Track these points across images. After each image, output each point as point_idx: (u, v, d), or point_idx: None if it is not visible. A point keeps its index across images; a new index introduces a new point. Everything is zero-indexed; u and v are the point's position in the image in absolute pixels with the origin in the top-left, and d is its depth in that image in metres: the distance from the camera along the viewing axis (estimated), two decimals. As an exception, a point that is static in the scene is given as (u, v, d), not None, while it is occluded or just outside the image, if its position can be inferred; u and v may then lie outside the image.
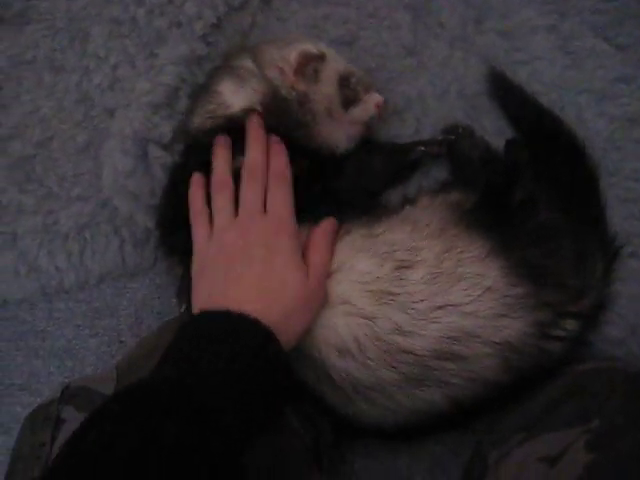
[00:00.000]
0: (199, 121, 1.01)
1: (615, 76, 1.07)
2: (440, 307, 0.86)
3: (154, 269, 1.15)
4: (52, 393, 0.87)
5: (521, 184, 0.98)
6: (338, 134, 1.01)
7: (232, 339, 0.75)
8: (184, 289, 0.98)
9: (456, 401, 0.88)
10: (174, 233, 0.99)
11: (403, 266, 0.89)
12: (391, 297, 0.87)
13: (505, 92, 1.09)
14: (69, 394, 0.86)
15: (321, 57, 0.99)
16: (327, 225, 0.93)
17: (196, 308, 0.85)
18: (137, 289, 1.16)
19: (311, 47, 0.99)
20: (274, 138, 0.96)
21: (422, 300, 0.87)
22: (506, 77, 1.08)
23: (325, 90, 0.99)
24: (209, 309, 0.80)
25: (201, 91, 1.05)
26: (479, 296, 0.87)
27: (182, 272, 0.99)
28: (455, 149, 1.08)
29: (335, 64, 1.01)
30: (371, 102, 1.01)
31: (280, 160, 0.95)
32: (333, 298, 0.88)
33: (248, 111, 0.98)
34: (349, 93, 1.00)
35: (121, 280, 1.16)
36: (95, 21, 1.17)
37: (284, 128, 0.98)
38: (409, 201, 1.02)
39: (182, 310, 1.03)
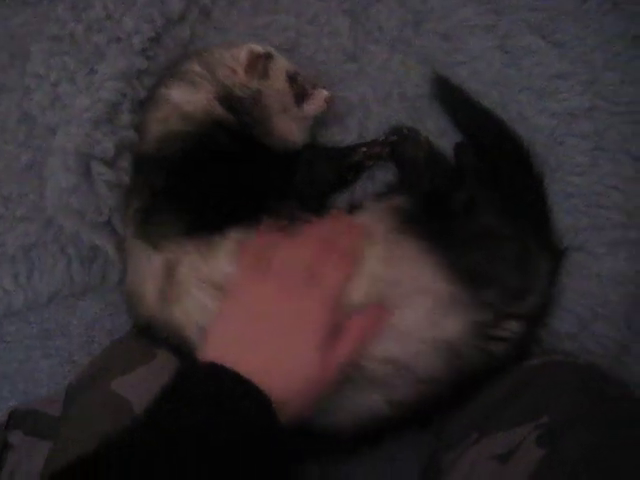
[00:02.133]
0: (156, 129, 1.00)
1: (553, 72, 1.09)
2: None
3: (103, 286, 1.14)
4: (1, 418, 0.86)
5: (463, 187, 0.98)
6: (293, 128, 1.05)
7: (233, 409, 0.71)
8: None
9: (399, 404, 0.88)
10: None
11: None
12: None
13: (449, 96, 1.10)
14: (16, 418, 0.85)
15: (269, 55, 1.03)
16: (373, 314, 0.88)
17: (212, 346, 0.82)
18: (87, 307, 1.14)
19: (258, 46, 1.02)
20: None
21: (360, 302, 0.87)
22: (449, 81, 1.09)
23: (276, 86, 1.03)
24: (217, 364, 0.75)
25: (150, 103, 1.05)
26: (416, 298, 0.87)
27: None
28: (400, 150, 1.08)
29: (282, 62, 1.05)
30: (320, 97, 1.05)
31: (353, 239, 0.91)
32: None
33: (205, 110, 0.99)
34: (298, 89, 1.04)
35: (70, 299, 1.15)
36: (34, 38, 1.15)
37: (242, 126, 1.00)
38: (355, 207, 1.02)
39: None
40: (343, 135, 1.11)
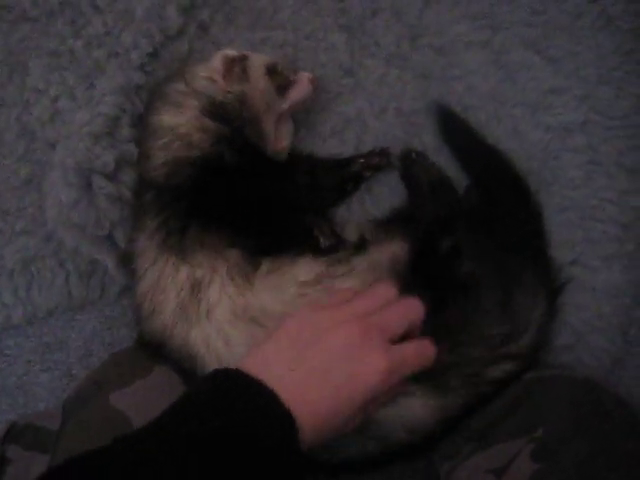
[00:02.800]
0: (160, 157, 0.99)
1: (548, 87, 1.10)
2: None
3: (102, 300, 1.14)
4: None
5: (451, 233, 0.97)
6: (282, 127, 1.06)
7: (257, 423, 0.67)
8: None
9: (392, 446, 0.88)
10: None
11: None
12: None
13: (453, 130, 1.10)
14: (15, 433, 0.85)
15: (243, 57, 1.04)
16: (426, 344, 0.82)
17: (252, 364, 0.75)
18: (86, 321, 1.15)
19: (231, 51, 1.04)
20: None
21: None
22: (451, 112, 1.10)
23: (258, 84, 1.03)
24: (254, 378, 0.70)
25: (147, 131, 1.04)
26: None
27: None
28: (407, 173, 1.09)
29: (258, 59, 1.06)
30: (304, 80, 1.07)
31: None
32: None
33: (199, 128, 0.99)
34: (280, 79, 1.06)
35: (69, 313, 1.15)
36: (33, 54, 1.16)
37: (236, 133, 1.01)
38: (363, 245, 0.99)
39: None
40: (340, 149, 1.13)
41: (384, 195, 1.11)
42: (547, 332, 0.99)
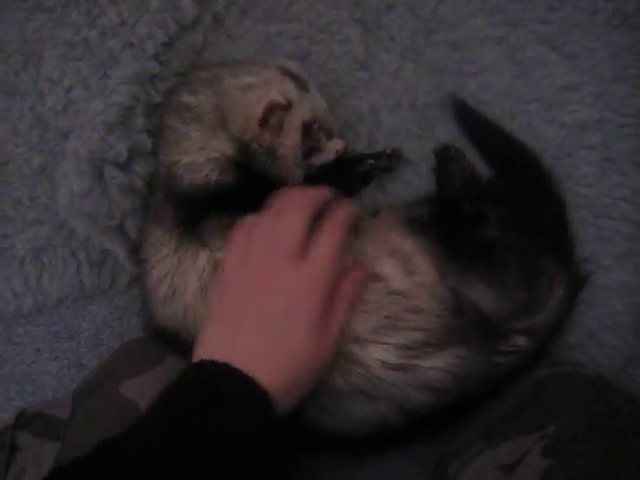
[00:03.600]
0: (189, 176, 0.97)
1: (563, 84, 1.09)
2: (396, 320, 0.87)
3: (113, 290, 1.14)
4: (7, 419, 0.86)
5: (476, 200, 0.99)
6: (297, 174, 1.01)
7: (229, 406, 0.71)
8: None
9: (407, 413, 0.89)
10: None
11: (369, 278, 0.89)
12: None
13: (468, 120, 1.10)
14: (24, 420, 0.86)
15: (287, 107, 0.96)
16: (357, 275, 0.89)
17: (205, 346, 0.81)
18: (96, 311, 1.15)
19: (278, 96, 0.96)
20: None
21: (381, 313, 0.87)
22: (469, 107, 1.09)
23: (290, 141, 0.98)
24: (213, 360, 0.75)
25: (169, 134, 1.01)
26: (425, 308, 0.88)
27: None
28: (442, 169, 1.09)
29: (300, 111, 0.98)
30: (332, 150, 1.02)
31: (345, 212, 0.91)
32: None
33: (229, 159, 0.97)
34: (312, 143, 1.00)
35: (80, 302, 1.15)
36: (48, 44, 1.16)
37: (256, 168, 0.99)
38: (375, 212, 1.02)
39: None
40: (353, 143, 1.12)
41: (397, 191, 1.11)
42: (563, 320, 0.98)
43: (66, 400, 0.89)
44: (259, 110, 0.95)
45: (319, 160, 1.01)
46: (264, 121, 0.95)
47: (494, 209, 0.97)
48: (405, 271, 0.90)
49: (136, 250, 1.05)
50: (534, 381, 0.90)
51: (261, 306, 0.81)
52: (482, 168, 1.09)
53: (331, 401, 0.88)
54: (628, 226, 1.05)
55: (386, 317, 0.88)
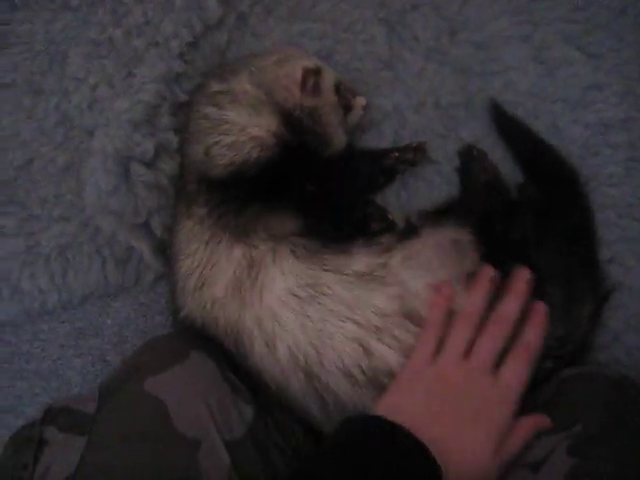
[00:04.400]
0: (228, 155, 0.98)
1: (588, 84, 1.08)
2: None
3: (137, 287, 1.15)
4: (34, 414, 0.87)
5: (517, 224, 0.98)
6: (343, 137, 1.07)
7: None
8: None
9: None
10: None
11: (409, 317, 0.89)
12: (391, 340, 0.88)
13: (506, 127, 1.10)
14: (51, 415, 0.86)
15: (318, 70, 1.03)
16: (538, 420, 0.86)
17: (390, 412, 0.80)
18: (121, 308, 1.16)
19: (309, 62, 1.03)
20: (542, 307, 0.90)
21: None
22: (506, 112, 1.09)
23: (328, 100, 1.04)
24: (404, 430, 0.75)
25: (202, 124, 1.02)
26: None
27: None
28: (464, 170, 1.09)
29: (328, 74, 1.06)
30: (359, 106, 1.08)
31: (538, 333, 0.88)
32: (348, 318, 0.89)
33: (274, 134, 0.99)
34: (343, 100, 1.06)
35: (104, 299, 1.16)
36: (73, 43, 1.17)
37: (303, 143, 1.01)
38: (411, 230, 1.01)
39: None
40: (378, 141, 1.12)
41: (421, 190, 1.11)
42: (591, 336, 0.98)
43: (92, 396, 0.89)
44: (298, 75, 1.01)
45: (352, 119, 1.08)
46: (303, 85, 1.01)
47: (535, 232, 0.97)
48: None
49: (161, 248, 1.06)
50: (560, 381, 0.90)
51: (461, 399, 0.82)
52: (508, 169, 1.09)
53: None
54: (653, 227, 1.04)
55: None
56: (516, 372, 0.85)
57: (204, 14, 1.12)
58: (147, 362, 0.92)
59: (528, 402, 0.88)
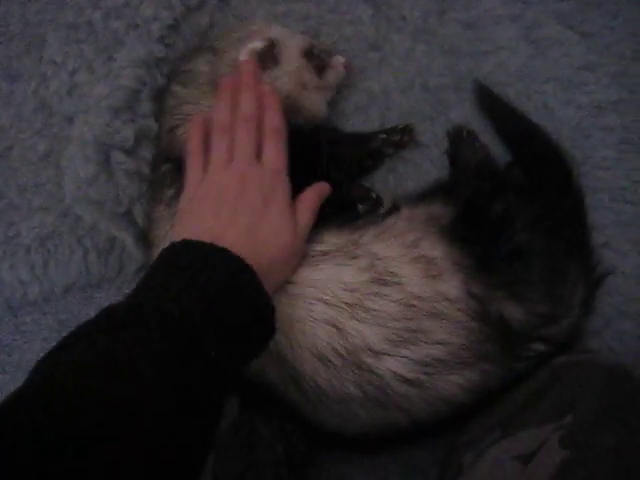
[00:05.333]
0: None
1: (580, 64, 1.07)
2: (413, 331, 0.85)
3: (120, 277, 1.13)
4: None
5: (502, 199, 0.96)
6: (318, 100, 1.05)
7: (212, 269, 0.74)
8: None
9: (419, 421, 0.88)
10: None
11: (382, 282, 0.87)
12: (365, 313, 0.86)
13: (492, 108, 1.08)
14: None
15: (270, 46, 1.01)
16: (319, 188, 0.95)
17: (185, 225, 0.87)
18: (104, 298, 1.13)
19: (257, 43, 1.01)
20: (267, 89, 0.97)
21: (396, 322, 0.85)
22: (493, 94, 1.07)
23: (289, 68, 1.02)
24: (194, 239, 0.78)
25: (171, 98, 1.05)
26: (448, 327, 0.86)
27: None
28: (454, 150, 1.07)
29: (294, 42, 1.04)
30: (339, 64, 1.07)
31: (274, 114, 0.94)
32: (316, 299, 0.87)
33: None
34: (317, 61, 1.05)
35: (87, 290, 1.13)
36: (50, 26, 1.14)
37: None
38: (393, 209, 1.00)
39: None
40: (364, 125, 1.10)
41: (409, 174, 1.09)
42: (583, 322, 0.96)
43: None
44: (243, 58, 1.00)
45: (332, 77, 1.07)
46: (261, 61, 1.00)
47: (521, 209, 0.95)
48: (428, 276, 0.88)
49: (144, 237, 1.04)
50: (550, 369, 0.88)
51: (238, 197, 0.87)
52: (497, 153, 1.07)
53: (341, 405, 0.87)
54: (647, 210, 1.02)
55: (404, 328, 0.86)
56: (274, 151, 0.91)
57: (185, -5, 1.09)
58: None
59: (520, 390, 0.87)
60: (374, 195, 1.03)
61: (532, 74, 1.08)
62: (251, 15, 1.14)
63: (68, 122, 1.11)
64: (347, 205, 1.01)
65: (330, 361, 0.85)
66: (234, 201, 0.86)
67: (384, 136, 1.08)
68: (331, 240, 0.92)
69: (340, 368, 0.85)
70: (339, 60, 1.07)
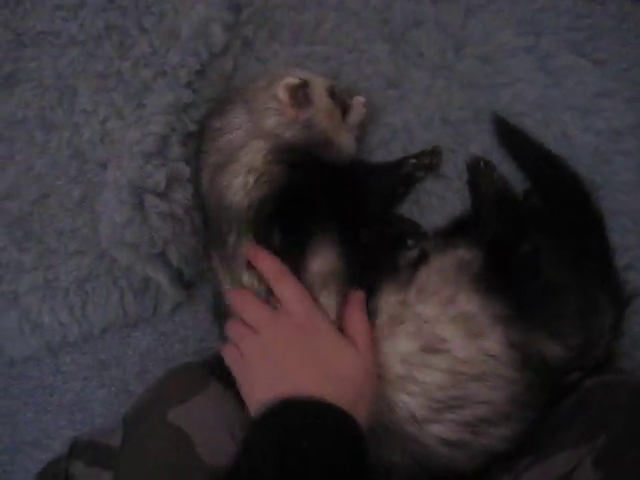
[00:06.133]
0: (245, 204, 0.98)
1: (596, 91, 1.08)
2: (459, 398, 0.87)
3: (155, 317, 1.16)
4: (61, 449, 0.88)
5: (528, 236, 0.98)
6: (348, 140, 1.07)
7: (314, 430, 0.76)
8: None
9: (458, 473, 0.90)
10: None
11: (431, 350, 0.90)
12: (415, 386, 0.88)
13: (511, 139, 1.10)
14: (77, 450, 0.87)
15: (304, 83, 1.02)
16: (356, 296, 0.95)
17: (259, 396, 0.85)
18: (140, 338, 1.17)
19: (290, 79, 1.01)
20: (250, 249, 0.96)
21: (443, 391, 0.88)
22: (510, 125, 1.09)
23: (322, 107, 1.03)
24: (284, 398, 0.80)
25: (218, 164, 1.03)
26: (493, 384, 0.87)
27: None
28: (473, 183, 1.09)
29: (318, 82, 1.05)
30: (359, 104, 1.09)
31: (268, 260, 0.94)
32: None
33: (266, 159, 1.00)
34: (340, 103, 1.06)
35: (124, 330, 1.17)
36: (81, 77, 1.18)
37: (305, 155, 1.01)
38: (421, 258, 1.01)
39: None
40: (387, 160, 1.13)
41: (433, 207, 1.11)
42: (615, 345, 0.98)
43: (116, 426, 0.90)
44: (282, 94, 1.00)
45: (354, 118, 1.08)
46: (292, 101, 1.00)
47: (548, 244, 0.96)
48: (470, 335, 0.90)
49: (178, 277, 1.07)
50: (582, 392, 0.89)
51: (295, 342, 0.89)
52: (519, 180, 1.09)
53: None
54: (668, 231, 1.03)
55: (451, 397, 0.88)
56: (290, 291, 0.92)
57: (210, 41, 1.13)
58: (169, 393, 0.93)
59: (551, 414, 0.89)
60: (423, 230, 1.06)
61: (549, 104, 1.09)
62: (273, 57, 1.17)
63: (102, 168, 1.15)
64: (396, 241, 1.04)
65: (377, 434, 0.87)
66: (292, 346, 0.88)
67: (414, 161, 1.10)
68: (389, 298, 0.95)
69: (384, 438, 0.87)
70: (359, 100, 1.08)
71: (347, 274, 0.95)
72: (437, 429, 0.87)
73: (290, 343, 0.88)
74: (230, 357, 0.93)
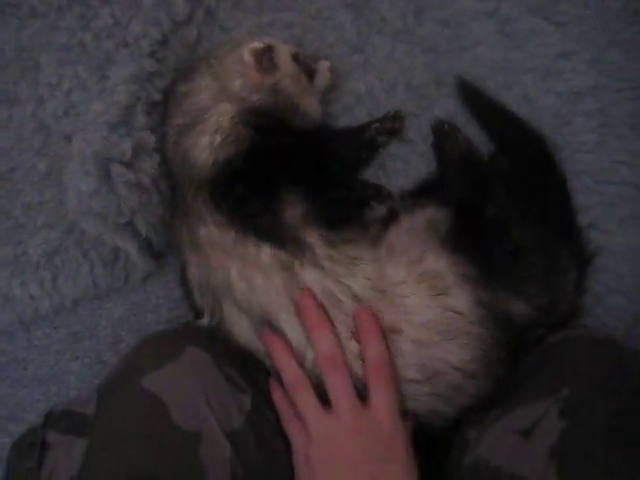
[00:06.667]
0: (208, 163, 0.99)
1: (557, 53, 1.09)
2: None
3: (127, 287, 1.16)
4: (36, 420, 0.88)
5: (493, 199, 0.99)
6: (313, 105, 1.07)
7: None
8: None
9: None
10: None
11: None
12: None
13: (475, 102, 1.11)
14: (52, 419, 0.87)
15: (269, 47, 1.03)
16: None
17: None
18: (112, 309, 1.17)
19: (256, 43, 1.02)
20: (363, 313, 0.91)
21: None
22: (474, 88, 1.10)
23: (288, 72, 1.04)
24: None
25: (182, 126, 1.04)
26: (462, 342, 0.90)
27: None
28: (438, 145, 1.10)
29: (283, 48, 1.06)
30: (325, 68, 1.10)
31: (378, 346, 0.89)
32: None
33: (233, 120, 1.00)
34: (305, 68, 1.07)
35: (96, 302, 1.17)
36: (44, 50, 1.17)
37: (271, 119, 1.02)
38: (391, 218, 1.02)
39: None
40: (352, 125, 1.13)
41: (398, 170, 1.12)
42: (577, 302, 1.01)
43: (91, 396, 0.91)
44: (247, 58, 1.01)
45: (321, 82, 1.10)
46: (258, 65, 1.01)
47: (513, 206, 0.98)
48: (434, 293, 0.91)
49: (148, 246, 1.07)
50: (545, 345, 0.92)
51: (359, 458, 0.86)
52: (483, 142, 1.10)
53: None
54: (629, 190, 1.05)
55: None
56: (382, 398, 0.88)
57: (172, 11, 1.12)
58: (143, 360, 0.93)
59: (516, 367, 0.91)
60: (386, 191, 1.07)
61: (510, 66, 1.10)
62: (237, 26, 1.17)
63: (67, 141, 1.14)
64: (360, 204, 1.05)
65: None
66: (355, 463, 0.85)
67: (377, 125, 1.11)
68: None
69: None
70: (325, 64, 1.10)
71: (322, 219, 0.95)
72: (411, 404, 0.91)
73: (366, 454, 0.86)
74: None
